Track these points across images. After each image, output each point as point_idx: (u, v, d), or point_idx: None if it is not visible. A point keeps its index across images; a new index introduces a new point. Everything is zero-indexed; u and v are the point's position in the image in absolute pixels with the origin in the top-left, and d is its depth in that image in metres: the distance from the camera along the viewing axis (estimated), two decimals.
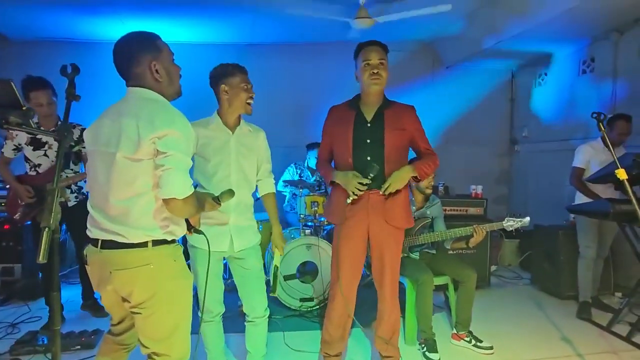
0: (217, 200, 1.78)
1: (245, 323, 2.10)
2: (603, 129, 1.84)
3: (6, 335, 2.88)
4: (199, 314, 2.08)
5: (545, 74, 5.11)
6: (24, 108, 1.16)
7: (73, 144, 2.97)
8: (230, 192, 1.75)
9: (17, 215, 2.97)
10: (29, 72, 2.87)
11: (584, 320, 3.24)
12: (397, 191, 2.10)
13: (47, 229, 1.07)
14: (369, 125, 2.12)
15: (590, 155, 3.37)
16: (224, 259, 2.12)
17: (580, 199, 3.42)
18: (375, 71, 2.05)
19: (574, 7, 3.40)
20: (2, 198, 3.51)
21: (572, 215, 3.71)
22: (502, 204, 5.60)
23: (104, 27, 4.49)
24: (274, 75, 4.90)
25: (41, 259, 1.03)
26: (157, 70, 1.45)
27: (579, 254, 3.46)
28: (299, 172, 4.54)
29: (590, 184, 3.30)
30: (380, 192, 2.07)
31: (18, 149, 2.93)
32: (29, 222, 3.18)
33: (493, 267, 4.32)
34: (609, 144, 1.97)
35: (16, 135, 2.87)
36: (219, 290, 2.06)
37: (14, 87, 1.13)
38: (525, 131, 5.42)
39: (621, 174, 1.70)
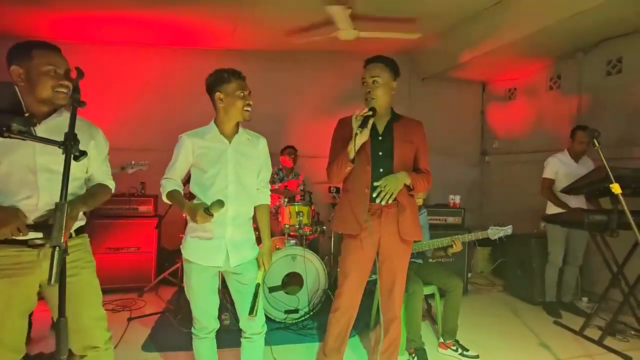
0: (207, 211, 1.70)
1: (242, 340, 2.01)
2: (598, 145, 1.94)
3: None
4: (192, 330, 1.99)
5: (515, 89, 5.37)
6: (26, 114, 1.05)
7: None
8: (220, 203, 1.69)
9: None
10: None
11: (557, 325, 3.40)
12: (408, 205, 2.14)
13: (57, 249, 0.95)
14: (380, 138, 2.16)
15: (558, 167, 3.67)
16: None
17: (551, 208, 3.64)
18: (367, 90, 2.12)
19: (544, 28, 3.67)
20: None
21: (543, 224, 3.91)
22: (473, 213, 5.78)
23: (70, 26, 4.24)
24: (252, 82, 4.81)
25: (53, 281, 0.93)
26: (19, 76, 1.48)
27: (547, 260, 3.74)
28: (274, 172, 4.49)
29: (560, 193, 3.52)
30: (383, 202, 2.05)
31: None
32: None
33: (468, 275, 4.44)
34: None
35: None
36: (214, 305, 1.96)
37: (17, 90, 1.03)
38: (496, 143, 5.65)
39: (616, 188, 1.80)
